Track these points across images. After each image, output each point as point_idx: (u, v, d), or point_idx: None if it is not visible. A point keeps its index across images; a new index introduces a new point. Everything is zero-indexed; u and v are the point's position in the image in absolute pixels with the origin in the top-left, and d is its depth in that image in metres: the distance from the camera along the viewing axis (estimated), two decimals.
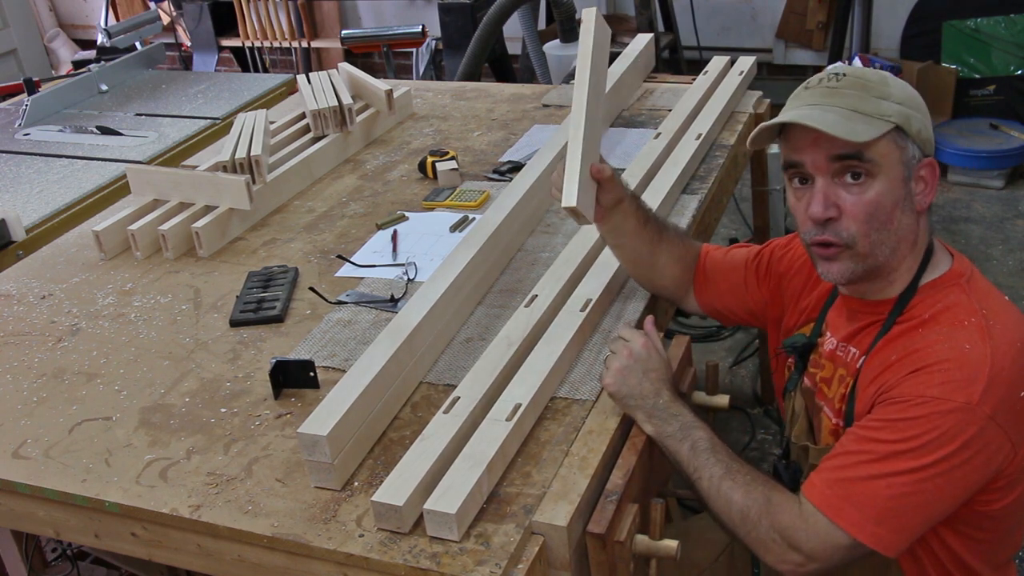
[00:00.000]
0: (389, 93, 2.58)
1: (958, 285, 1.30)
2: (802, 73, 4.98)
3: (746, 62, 2.66)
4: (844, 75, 1.29)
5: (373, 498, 1.25)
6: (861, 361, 1.35)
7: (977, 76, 4.42)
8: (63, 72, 5.34)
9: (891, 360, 1.27)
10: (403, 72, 5.35)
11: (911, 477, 1.19)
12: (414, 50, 4.98)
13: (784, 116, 1.30)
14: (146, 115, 3.08)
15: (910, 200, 1.29)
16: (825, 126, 1.24)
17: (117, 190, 2.51)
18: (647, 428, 1.39)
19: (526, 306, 1.63)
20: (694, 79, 2.60)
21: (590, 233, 1.83)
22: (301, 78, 2.69)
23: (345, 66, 2.75)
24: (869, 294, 1.37)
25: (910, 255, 1.33)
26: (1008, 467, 1.24)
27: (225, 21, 5.63)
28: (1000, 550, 1.36)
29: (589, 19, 1.59)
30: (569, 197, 1.43)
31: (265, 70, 5.80)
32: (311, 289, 1.84)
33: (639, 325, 1.65)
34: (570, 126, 1.51)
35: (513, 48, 4.36)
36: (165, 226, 2.04)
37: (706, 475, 1.31)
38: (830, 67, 1.39)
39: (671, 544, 1.33)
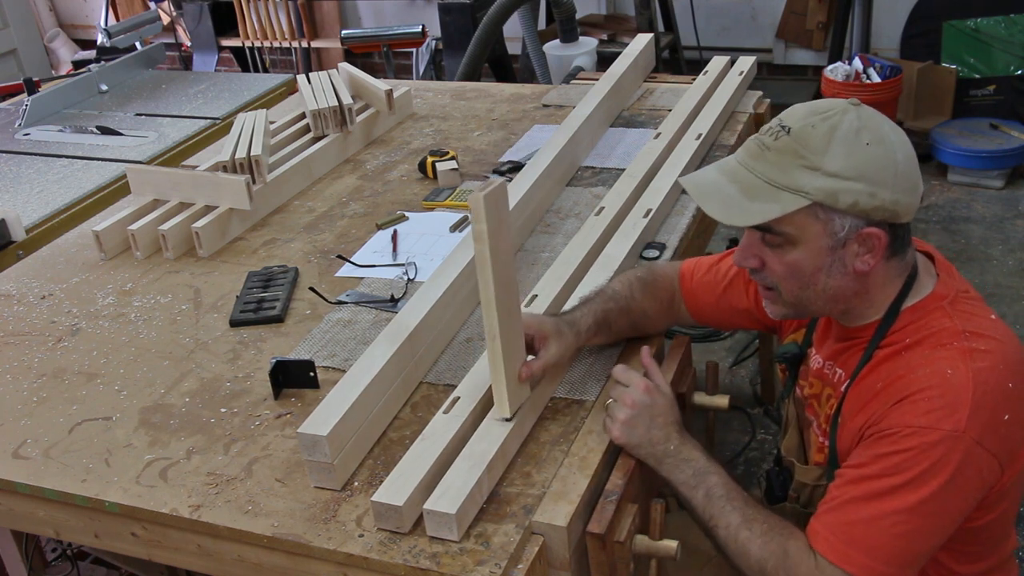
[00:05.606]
0: (389, 93, 2.58)
1: (940, 308, 1.28)
2: (802, 73, 4.98)
3: (746, 62, 2.66)
4: (788, 131, 1.23)
5: (373, 498, 1.25)
6: (846, 385, 1.34)
7: (977, 76, 4.42)
8: (63, 72, 5.34)
9: (876, 388, 1.27)
10: (403, 72, 5.35)
11: (910, 514, 1.20)
12: (414, 50, 4.98)
13: (693, 179, 1.32)
14: (146, 115, 3.08)
15: (840, 265, 1.26)
16: (713, 208, 1.28)
17: (117, 190, 2.51)
18: (661, 473, 1.38)
19: (526, 306, 1.63)
20: (694, 79, 2.60)
21: (590, 233, 1.83)
22: (301, 78, 2.68)
23: (345, 66, 2.75)
24: (845, 321, 1.36)
25: (878, 293, 1.30)
26: (996, 485, 1.25)
27: (225, 21, 5.63)
28: (990, 556, 1.37)
29: (477, 206, 1.20)
30: (504, 411, 1.37)
31: (265, 70, 5.80)
32: (311, 289, 1.84)
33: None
34: (485, 328, 1.32)
35: (513, 48, 4.36)
36: (165, 226, 2.04)
37: (722, 523, 1.31)
38: (787, 112, 1.26)
39: (671, 544, 1.33)
